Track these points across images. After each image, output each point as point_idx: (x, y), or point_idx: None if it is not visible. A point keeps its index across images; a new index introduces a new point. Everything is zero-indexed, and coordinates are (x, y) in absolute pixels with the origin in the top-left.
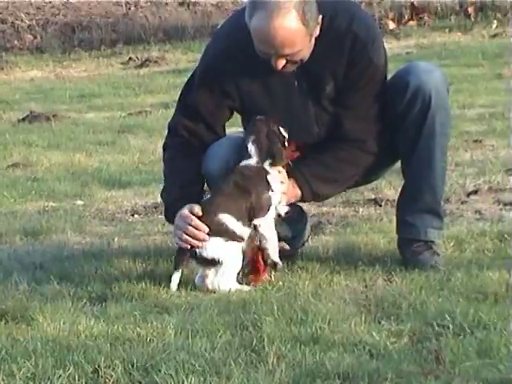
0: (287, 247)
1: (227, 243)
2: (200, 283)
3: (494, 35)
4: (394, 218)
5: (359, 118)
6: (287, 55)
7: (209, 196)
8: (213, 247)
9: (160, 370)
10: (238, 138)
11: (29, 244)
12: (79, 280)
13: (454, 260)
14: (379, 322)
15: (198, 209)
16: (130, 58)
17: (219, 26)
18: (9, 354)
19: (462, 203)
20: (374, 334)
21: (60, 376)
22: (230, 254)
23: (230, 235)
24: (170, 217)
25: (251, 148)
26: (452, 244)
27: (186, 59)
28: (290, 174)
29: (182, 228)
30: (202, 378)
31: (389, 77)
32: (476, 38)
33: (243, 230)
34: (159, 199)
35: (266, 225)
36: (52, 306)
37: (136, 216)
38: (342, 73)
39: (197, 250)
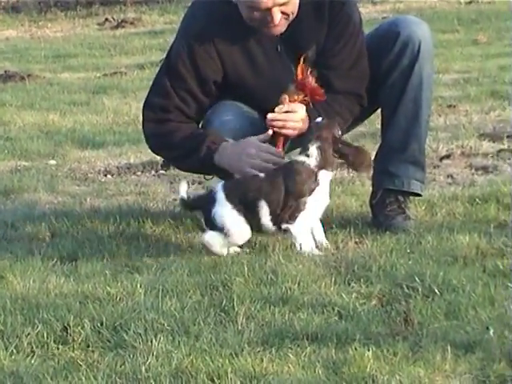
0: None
1: (243, 223)
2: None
3: (470, 1)
4: (367, 181)
5: (346, 76)
6: (283, 4)
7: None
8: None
9: (129, 329)
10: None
11: (0, 203)
12: (50, 239)
13: (425, 223)
14: (349, 284)
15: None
16: (106, 19)
17: None
18: None
19: (435, 167)
20: (343, 295)
21: (29, 334)
22: (239, 231)
23: (254, 222)
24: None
25: (313, 152)
26: (423, 207)
27: (163, 21)
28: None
29: (261, 157)
30: (170, 338)
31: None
32: (452, 3)
33: (268, 225)
34: (132, 160)
35: (296, 232)
36: (22, 264)
37: (109, 176)
38: (324, 35)
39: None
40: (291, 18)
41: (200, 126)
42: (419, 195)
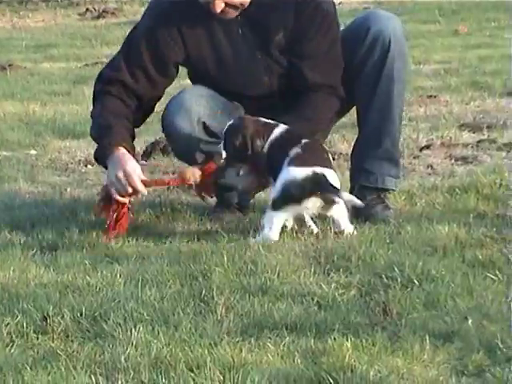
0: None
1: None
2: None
3: None
4: (347, 172)
5: (319, 66)
6: None
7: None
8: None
9: (108, 319)
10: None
11: None
12: (30, 229)
13: (405, 213)
14: (328, 274)
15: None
16: (88, 9)
17: None
18: None
19: (415, 158)
20: (322, 285)
21: (8, 323)
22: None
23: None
24: (103, 158)
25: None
26: (403, 198)
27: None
28: None
29: (122, 186)
30: (150, 327)
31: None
32: None
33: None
34: None
35: None
36: (2, 254)
37: (89, 166)
38: (292, 21)
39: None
40: (242, 7)
41: (162, 113)
42: (394, 190)
